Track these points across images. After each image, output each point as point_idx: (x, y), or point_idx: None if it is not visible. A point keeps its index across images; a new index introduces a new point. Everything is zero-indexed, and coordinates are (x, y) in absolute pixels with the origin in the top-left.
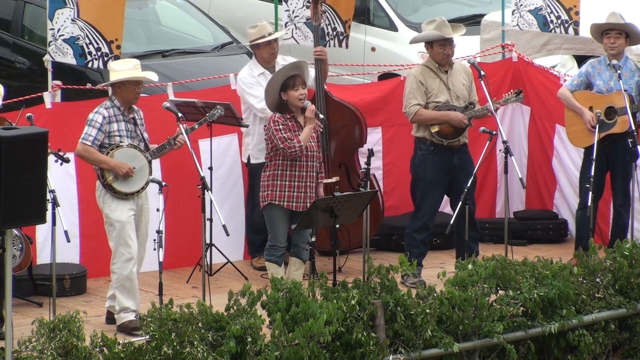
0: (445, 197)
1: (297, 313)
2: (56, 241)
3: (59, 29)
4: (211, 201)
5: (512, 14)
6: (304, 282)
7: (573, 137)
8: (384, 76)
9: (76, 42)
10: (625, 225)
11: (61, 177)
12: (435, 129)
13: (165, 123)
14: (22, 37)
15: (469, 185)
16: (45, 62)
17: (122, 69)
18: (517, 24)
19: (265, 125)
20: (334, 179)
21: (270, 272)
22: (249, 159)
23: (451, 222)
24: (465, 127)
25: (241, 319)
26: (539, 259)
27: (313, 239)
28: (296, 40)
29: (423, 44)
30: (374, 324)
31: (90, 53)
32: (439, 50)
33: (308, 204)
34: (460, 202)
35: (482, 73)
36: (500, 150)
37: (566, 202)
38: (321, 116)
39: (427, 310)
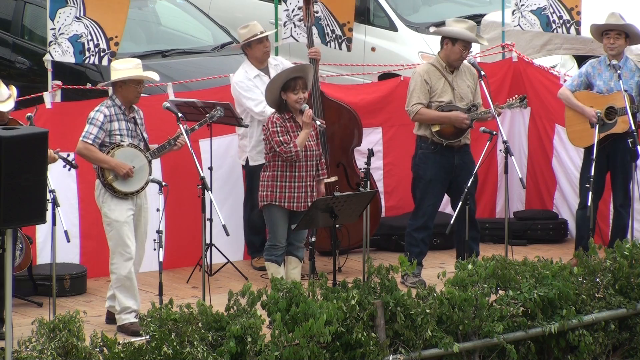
0: (446, 197)
1: (297, 313)
2: (56, 241)
3: (59, 28)
4: (211, 201)
5: (513, 14)
6: (304, 282)
7: (573, 137)
8: (384, 76)
9: (78, 40)
10: (625, 225)
11: (61, 177)
12: (436, 128)
13: (165, 123)
14: (22, 37)
15: (469, 185)
16: (45, 62)
17: (123, 68)
18: (519, 24)
19: (264, 126)
20: (332, 179)
21: (270, 272)
22: (247, 161)
23: (451, 222)
24: (467, 128)
25: (241, 319)
26: (539, 259)
27: (313, 239)
28: (295, 39)
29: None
30: (374, 324)
31: (89, 49)
32: (460, 49)
33: (308, 204)
34: (460, 202)
35: (482, 73)
36: (500, 150)
37: (566, 202)
38: (318, 122)
39: (427, 310)
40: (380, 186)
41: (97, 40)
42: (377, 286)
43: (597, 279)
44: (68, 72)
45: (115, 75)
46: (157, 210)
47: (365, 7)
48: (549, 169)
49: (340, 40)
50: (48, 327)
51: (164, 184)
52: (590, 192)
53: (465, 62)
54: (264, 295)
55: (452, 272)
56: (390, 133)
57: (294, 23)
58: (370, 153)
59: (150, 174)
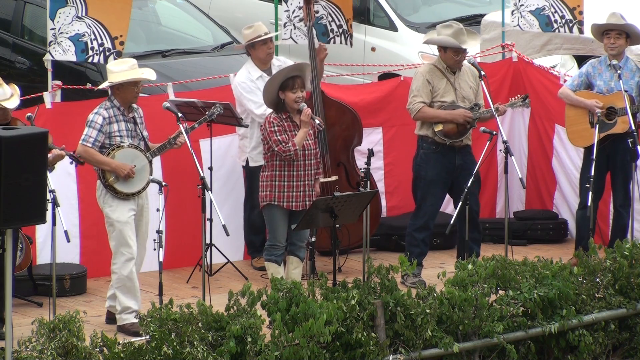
0: (448, 197)
1: (297, 313)
2: (56, 241)
3: (59, 28)
4: (211, 201)
5: (512, 14)
6: (304, 282)
7: (573, 137)
8: (384, 76)
9: (80, 39)
10: (625, 225)
11: (61, 177)
12: (439, 128)
13: (165, 123)
14: (22, 37)
15: (469, 185)
16: (45, 62)
17: (119, 70)
18: (518, 24)
19: (261, 126)
20: (332, 178)
21: (270, 272)
22: (247, 161)
23: (451, 222)
24: (469, 128)
25: (241, 319)
26: (539, 259)
27: (313, 239)
28: (294, 40)
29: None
30: (374, 324)
31: (92, 48)
32: (452, 56)
33: (307, 203)
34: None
35: (482, 73)
36: (500, 150)
37: (566, 202)
38: (317, 121)
39: (427, 310)
40: (381, 186)
41: (102, 39)
42: (377, 286)
43: (597, 279)
44: (68, 72)
45: (111, 78)
46: (157, 210)
47: (365, 7)
48: (549, 169)
49: (346, 35)
50: (48, 327)
51: (164, 184)
52: (590, 192)
53: (465, 62)
54: (264, 295)
55: (452, 272)
56: (391, 133)
57: (294, 25)
58: (371, 153)
59: (151, 174)
